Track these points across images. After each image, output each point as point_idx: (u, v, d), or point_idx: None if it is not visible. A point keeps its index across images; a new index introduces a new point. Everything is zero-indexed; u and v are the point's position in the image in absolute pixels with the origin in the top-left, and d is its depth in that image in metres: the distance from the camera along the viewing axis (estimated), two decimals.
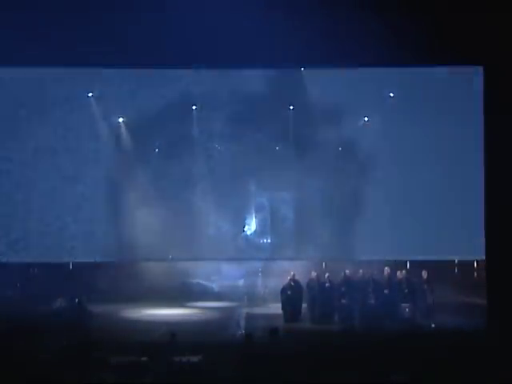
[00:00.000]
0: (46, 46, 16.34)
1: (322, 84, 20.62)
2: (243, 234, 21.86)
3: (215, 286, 23.09)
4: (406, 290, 19.51)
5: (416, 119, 20.99)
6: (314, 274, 20.28)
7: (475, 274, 22.41)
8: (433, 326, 18.91)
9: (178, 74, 20.38)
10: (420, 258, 21.29)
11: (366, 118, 22.17)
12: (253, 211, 21.77)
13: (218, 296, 22.66)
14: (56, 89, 20.54)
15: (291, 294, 20.00)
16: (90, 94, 21.13)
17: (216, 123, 21.45)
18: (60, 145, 20.81)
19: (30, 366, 12.54)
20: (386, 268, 20.15)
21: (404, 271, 20.33)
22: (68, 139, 20.81)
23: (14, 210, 20.60)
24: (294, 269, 20.83)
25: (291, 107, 21.57)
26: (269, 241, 21.93)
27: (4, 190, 20.66)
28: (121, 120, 21.59)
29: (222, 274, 22.94)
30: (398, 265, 21.14)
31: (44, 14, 16.21)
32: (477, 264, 22.32)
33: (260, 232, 21.86)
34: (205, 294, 22.67)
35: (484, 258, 18.98)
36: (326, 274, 20.18)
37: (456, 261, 23.03)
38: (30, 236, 20.75)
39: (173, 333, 14.34)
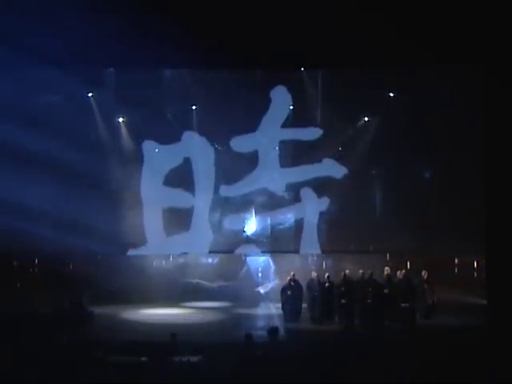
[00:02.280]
0: None
1: None
2: None
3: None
4: (406, 290, 19.57)
5: (417, 119, 21.00)
6: (314, 274, 20.29)
7: (475, 274, 22.44)
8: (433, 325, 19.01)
9: None
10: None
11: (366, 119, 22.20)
12: None
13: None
14: None
15: (291, 294, 20.01)
16: None
17: None
18: None
19: (30, 366, 12.55)
20: (386, 268, 20.18)
21: (404, 271, 20.39)
22: None
23: None
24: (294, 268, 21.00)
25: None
26: None
27: None
28: None
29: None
30: (398, 264, 21.36)
31: None
32: (477, 264, 22.35)
33: None
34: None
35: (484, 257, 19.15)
36: (326, 274, 20.18)
37: (456, 261, 23.12)
38: None
39: (173, 333, 14.34)
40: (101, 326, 18.45)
